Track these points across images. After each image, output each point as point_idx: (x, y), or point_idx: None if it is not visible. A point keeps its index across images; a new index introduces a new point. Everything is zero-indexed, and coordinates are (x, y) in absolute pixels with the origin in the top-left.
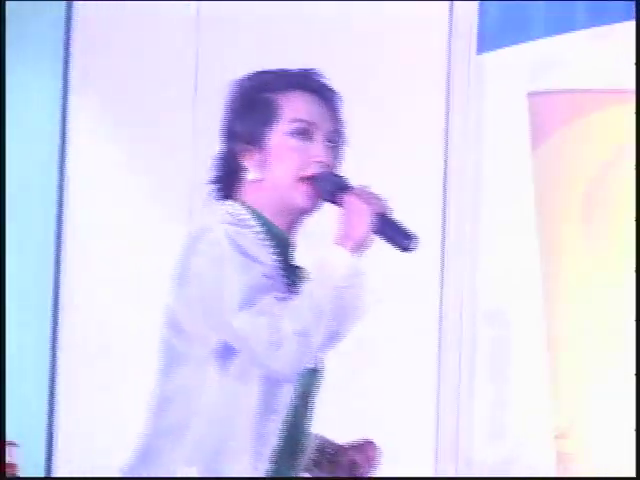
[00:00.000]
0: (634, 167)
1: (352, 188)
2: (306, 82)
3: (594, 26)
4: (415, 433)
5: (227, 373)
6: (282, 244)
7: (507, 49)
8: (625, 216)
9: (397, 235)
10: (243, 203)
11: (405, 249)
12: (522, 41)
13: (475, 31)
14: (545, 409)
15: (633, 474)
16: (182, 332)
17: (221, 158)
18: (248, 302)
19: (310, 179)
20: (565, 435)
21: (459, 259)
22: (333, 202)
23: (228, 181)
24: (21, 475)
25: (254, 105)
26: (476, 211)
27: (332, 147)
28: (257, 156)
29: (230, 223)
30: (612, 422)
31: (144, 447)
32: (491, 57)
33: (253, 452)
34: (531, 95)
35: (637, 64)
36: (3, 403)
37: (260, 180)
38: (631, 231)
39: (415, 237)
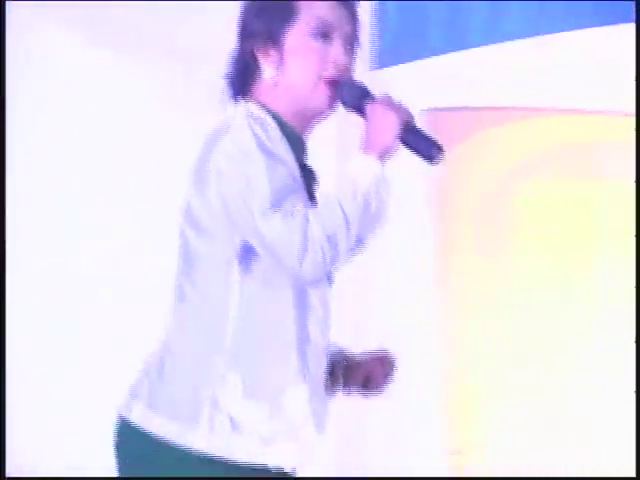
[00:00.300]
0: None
1: (375, 96)
2: None
3: (491, 43)
4: None
5: (252, 276)
6: (297, 146)
7: (404, 65)
8: (519, 233)
9: (424, 144)
10: (258, 102)
11: (431, 159)
12: (419, 57)
13: (371, 47)
14: (441, 425)
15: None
16: (202, 231)
17: (237, 56)
18: (276, 204)
19: (329, 81)
20: (459, 452)
21: None
22: (355, 108)
23: (243, 79)
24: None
25: (273, 3)
26: None
27: (350, 50)
28: (274, 55)
29: (253, 120)
30: (508, 439)
31: (171, 345)
32: (388, 73)
33: (297, 358)
34: (428, 111)
35: (637, 65)
36: (3, 404)
37: (276, 79)
38: (528, 249)
39: (441, 146)
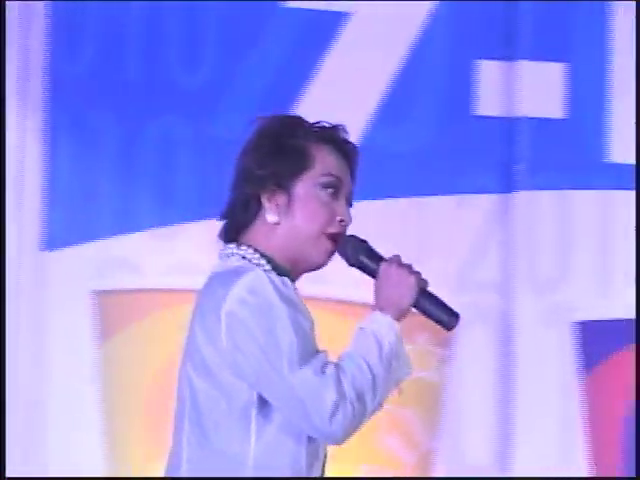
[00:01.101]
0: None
1: (386, 257)
2: (335, 137)
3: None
4: None
5: (268, 427)
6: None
7: (72, 248)
8: None
9: (440, 310)
10: (250, 245)
11: (447, 325)
12: (87, 240)
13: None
14: None
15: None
16: (214, 379)
17: (238, 198)
18: (304, 360)
19: (331, 236)
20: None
21: None
22: (359, 266)
23: (242, 221)
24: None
25: (285, 149)
26: None
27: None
28: (281, 200)
29: (262, 269)
30: None
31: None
32: (56, 255)
33: None
34: (97, 293)
35: (637, 70)
36: (3, 405)
37: (277, 224)
38: None
39: (457, 313)
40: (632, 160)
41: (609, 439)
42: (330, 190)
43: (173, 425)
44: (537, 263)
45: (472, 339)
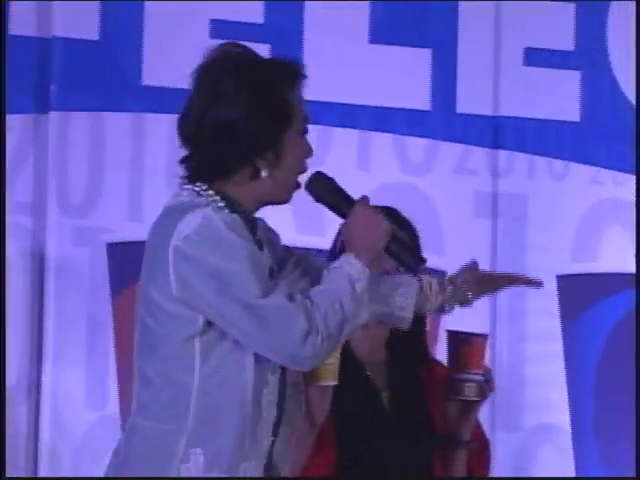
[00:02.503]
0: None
1: (351, 198)
2: (300, 75)
3: None
4: None
5: (213, 356)
6: (250, 227)
7: None
8: None
9: (407, 254)
10: (213, 187)
11: (414, 270)
12: None
13: None
14: None
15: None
16: (161, 313)
17: (222, 150)
18: (268, 287)
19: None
20: None
21: None
22: (326, 203)
23: (220, 171)
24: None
25: (271, 105)
26: None
27: None
28: (271, 157)
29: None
30: None
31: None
32: None
33: None
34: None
35: (637, 66)
36: (3, 405)
37: (267, 177)
38: None
39: (423, 257)
40: (166, 84)
41: None
42: (304, 132)
43: None
44: (69, 185)
45: (6, 259)
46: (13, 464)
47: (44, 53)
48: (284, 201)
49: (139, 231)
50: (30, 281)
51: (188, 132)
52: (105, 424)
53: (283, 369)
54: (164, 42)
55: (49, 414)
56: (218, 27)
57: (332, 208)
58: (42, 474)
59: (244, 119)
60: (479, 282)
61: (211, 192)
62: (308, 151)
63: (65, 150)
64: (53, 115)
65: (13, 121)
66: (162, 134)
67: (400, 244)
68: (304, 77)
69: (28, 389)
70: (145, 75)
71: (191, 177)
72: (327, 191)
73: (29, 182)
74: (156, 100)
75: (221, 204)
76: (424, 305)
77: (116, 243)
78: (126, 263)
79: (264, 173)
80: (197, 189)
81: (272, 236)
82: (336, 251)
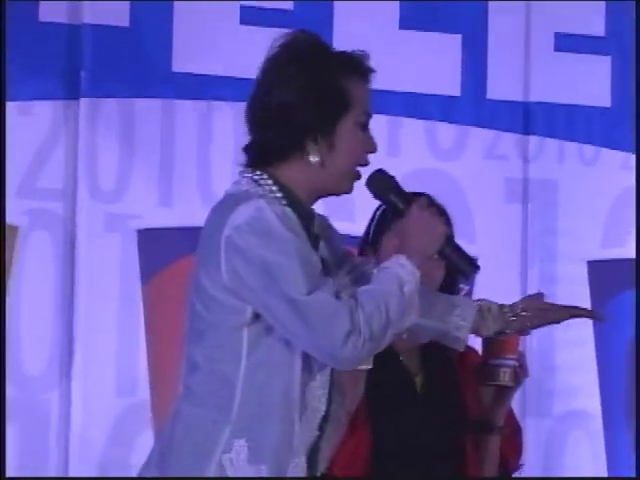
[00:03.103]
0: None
1: (409, 195)
2: (365, 68)
3: None
4: None
5: (261, 346)
6: (307, 219)
7: None
8: None
9: (461, 260)
10: (270, 174)
11: (467, 276)
12: None
13: None
14: None
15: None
16: (211, 301)
17: (277, 134)
18: (314, 283)
19: (361, 167)
20: None
21: None
22: (384, 200)
23: (275, 156)
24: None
25: (327, 90)
26: None
27: None
28: (324, 141)
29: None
30: None
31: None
32: None
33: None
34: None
35: (637, 66)
36: (3, 405)
37: (317, 163)
38: None
39: (477, 264)
40: (196, 70)
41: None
42: (363, 127)
43: None
44: (100, 171)
45: (36, 245)
46: (44, 451)
47: (74, 40)
48: (341, 191)
49: (169, 217)
50: (61, 267)
51: (251, 117)
52: (135, 410)
53: None
54: (194, 29)
55: (80, 400)
56: (248, 13)
57: (390, 206)
58: (73, 461)
59: (299, 101)
60: (540, 312)
61: (270, 181)
62: (369, 144)
63: (95, 136)
64: (83, 101)
65: (44, 107)
66: (192, 120)
67: (455, 248)
68: (369, 71)
69: (59, 375)
70: (175, 62)
71: (250, 164)
72: (386, 188)
73: (60, 168)
74: (186, 86)
75: (278, 194)
76: (481, 328)
77: (146, 229)
78: (156, 249)
79: (314, 158)
80: (256, 177)
81: (332, 235)
82: (369, 239)
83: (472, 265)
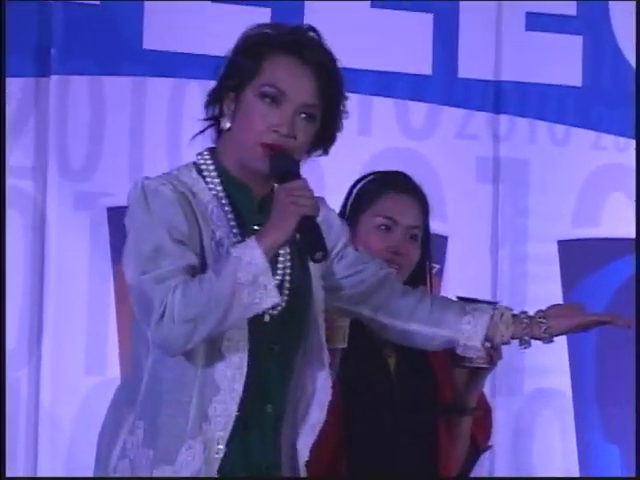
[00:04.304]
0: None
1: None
2: (301, 48)
3: None
4: None
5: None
6: (244, 199)
7: None
8: None
9: (313, 243)
10: (215, 152)
11: (315, 259)
12: None
13: None
14: None
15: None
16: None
17: (213, 96)
18: (150, 266)
19: (266, 146)
20: None
21: None
22: (277, 182)
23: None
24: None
25: (242, 57)
26: None
27: (305, 120)
28: (231, 106)
29: (160, 178)
30: None
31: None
32: None
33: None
34: None
35: (637, 65)
36: (3, 404)
37: (229, 130)
38: None
39: (326, 251)
40: (167, 47)
41: None
42: (267, 99)
43: None
44: (70, 149)
45: (6, 223)
46: (14, 430)
47: (44, 17)
48: (252, 167)
49: None
50: (31, 245)
51: None
52: (105, 388)
53: (265, 343)
54: (165, 6)
55: (50, 379)
56: None
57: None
58: (42, 439)
59: (225, 66)
60: (563, 319)
61: (207, 157)
62: (266, 119)
63: (66, 114)
64: (54, 79)
65: (14, 85)
66: (163, 98)
67: (308, 231)
68: (298, 50)
69: (29, 353)
70: (146, 39)
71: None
72: (278, 171)
73: (30, 146)
74: (157, 64)
75: (213, 171)
76: (494, 335)
77: (116, 207)
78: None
79: (223, 122)
80: (199, 156)
81: (329, 220)
82: (345, 217)
83: (320, 251)
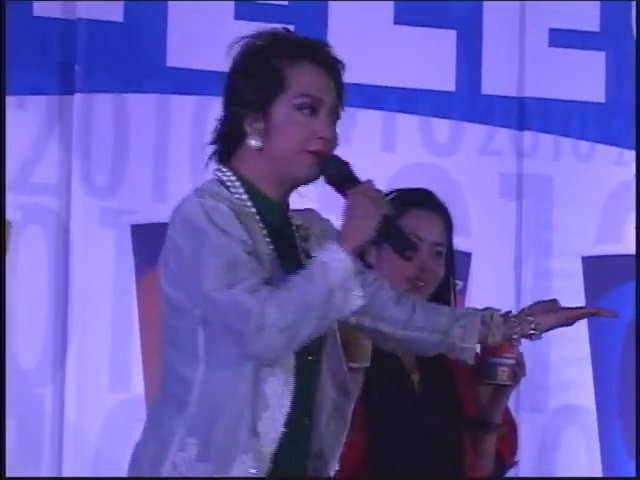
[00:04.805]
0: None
1: (358, 182)
2: (314, 52)
3: None
4: None
5: (215, 344)
6: (270, 210)
7: None
8: None
9: (400, 241)
10: (232, 168)
11: (405, 256)
12: None
13: None
14: None
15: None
16: (168, 302)
17: (224, 121)
18: (230, 279)
19: (313, 153)
20: None
21: None
22: (335, 185)
23: (228, 145)
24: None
25: (261, 72)
26: None
27: (334, 121)
28: (260, 124)
29: (208, 196)
30: None
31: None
32: None
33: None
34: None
35: (637, 66)
36: (3, 404)
37: (260, 148)
38: None
39: (415, 244)
40: (190, 65)
41: None
42: (306, 110)
43: None
44: (94, 166)
45: (30, 241)
46: (39, 447)
47: (69, 34)
48: (300, 178)
49: (163, 213)
50: (55, 262)
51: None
52: (129, 406)
53: (305, 356)
54: (188, 23)
55: (74, 395)
56: (243, 8)
57: (341, 193)
58: (67, 456)
59: (235, 84)
60: (549, 315)
61: (229, 173)
62: (308, 127)
63: (89, 131)
64: (78, 96)
65: (38, 102)
66: (186, 115)
67: (393, 230)
68: (316, 54)
69: (53, 370)
70: (169, 56)
71: (217, 160)
72: (336, 174)
73: (54, 163)
74: (180, 81)
75: (240, 188)
76: (486, 337)
77: (140, 225)
78: (150, 245)
79: (250, 141)
80: (219, 173)
81: (326, 230)
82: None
83: (410, 247)
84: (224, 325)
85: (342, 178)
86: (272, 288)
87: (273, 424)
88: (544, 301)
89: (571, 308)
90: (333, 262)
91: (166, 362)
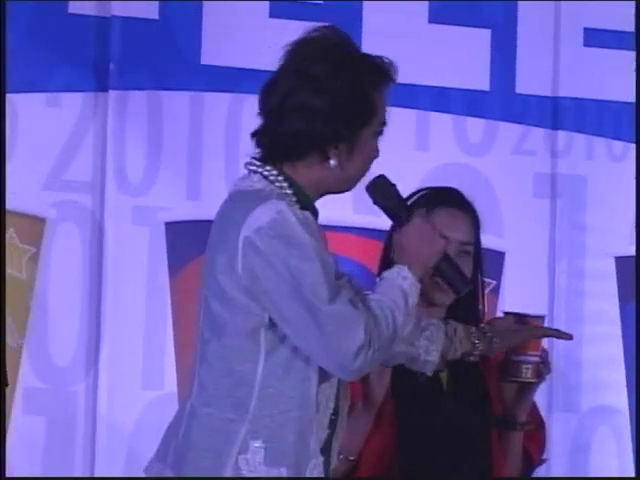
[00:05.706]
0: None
1: (405, 202)
2: (388, 76)
3: None
4: None
5: (278, 348)
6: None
7: None
8: None
9: (455, 275)
10: (280, 169)
11: (459, 292)
12: None
13: None
14: None
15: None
16: (227, 301)
17: (296, 134)
18: (333, 292)
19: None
20: None
21: None
22: (386, 211)
23: (291, 154)
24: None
25: (354, 99)
26: None
27: None
28: (344, 148)
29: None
30: None
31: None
32: None
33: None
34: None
35: (637, 67)
36: (3, 404)
37: (336, 168)
38: None
39: (469, 281)
40: (224, 63)
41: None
42: (380, 136)
43: None
44: (128, 164)
45: (63, 238)
46: (72, 444)
47: (103, 32)
48: (343, 192)
49: (197, 210)
50: (89, 260)
51: (269, 107)
52: (162, 403)
53: None
54: (223, 21)
55: (107, 393)
56: (277, 6)
57: (389, 214)
58: (100, 453)
59: (327, 107)
60: (507, 334)
61: (280, 178)
62: (376, 153)
63: (124, 129)
64: (112, 93)
65: (72, 99)
66: (220, 113)
67: (450, 264)
68: (392, 80)
69: (87, 367)
70: (204, 54)
71: (261, 158)
72: (387, 196)
73: (88, 160)
74: (215, 79)
75: (289, 191)
76: (448, 351)
77: (174, 222)
78: (184, 242)
79: (333, 162)
80: (267, 174)
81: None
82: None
83: (465, 283)
84: (316, 335)
85: (392, 201)
86: (367, 305)
87: (321, 425)
88: (502, 318)
89: (531, 327)
90: (409, 288)
91: (213, 358)
